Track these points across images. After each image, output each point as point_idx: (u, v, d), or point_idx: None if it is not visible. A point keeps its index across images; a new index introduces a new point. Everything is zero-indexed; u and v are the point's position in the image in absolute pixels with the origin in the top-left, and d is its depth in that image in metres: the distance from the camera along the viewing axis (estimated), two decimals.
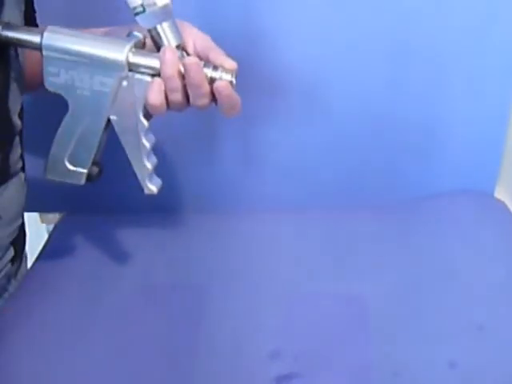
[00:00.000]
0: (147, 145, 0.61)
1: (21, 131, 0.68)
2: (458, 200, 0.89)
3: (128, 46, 0.59)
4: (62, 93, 0.60)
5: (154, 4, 0.57)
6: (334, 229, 0.86)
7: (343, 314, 0.71)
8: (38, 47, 0.59)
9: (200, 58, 0.61)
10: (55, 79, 0.59)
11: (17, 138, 0.67)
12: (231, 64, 0.59)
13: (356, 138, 0.87)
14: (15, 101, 0.65)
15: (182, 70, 0.58)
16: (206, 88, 0.59)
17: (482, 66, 0.82)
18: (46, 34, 0.59)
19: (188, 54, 0.61)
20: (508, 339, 0.66)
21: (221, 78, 0.59)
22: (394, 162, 0.88)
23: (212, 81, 0.59)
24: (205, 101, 0.59)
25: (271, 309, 0.71)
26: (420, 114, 0.85)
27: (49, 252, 0.84)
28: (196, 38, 0.62)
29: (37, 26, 0.71)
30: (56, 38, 0.59)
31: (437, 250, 0.80)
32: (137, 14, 0.57)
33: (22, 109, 0.68)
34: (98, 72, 0.59)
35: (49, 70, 0.59)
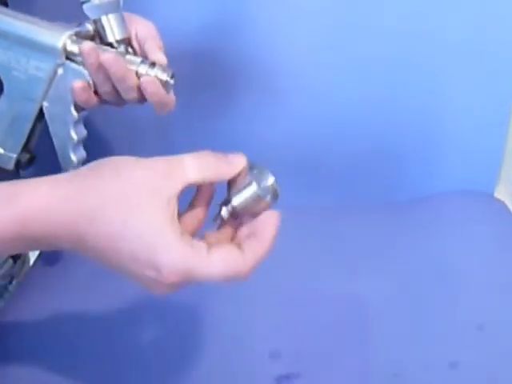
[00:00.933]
0: (75, 137, 0.60)
1: None
2: (458, 200, 0.89)
3: (67, 34, 0.57)
4: None
5: None
6: (333, 229, 0.86)
7: (343, 313, 0.71)
8: None
9: (140, 47, 0.60)
10: None
11: None
12: (161, 59, 0.58)
13: (356, 137, 0.87)
14: None
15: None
16: (132, 81, 0.57)
17: (482, 66, 0.82)
18: None
19: (133, 49, 0.60)
20: (508, 339, 0.66)
21: (156, 76, 0.57)
22: (394, 162, 0.88)
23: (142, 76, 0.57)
24: (133, 95, 0.58)
25: (271, 309, 0.71)
26: (420, 114, 0.85)
27: (49, 252, 0.84)
28: (138, 26, 0.61)
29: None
30: None
31: (437, 249, 0.80)
32: (83, 2, 0.56)
33: None
34: (35, 56, 0.58)
35: None
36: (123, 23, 0.58)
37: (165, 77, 0.57)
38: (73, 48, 0.58)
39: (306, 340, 0.67)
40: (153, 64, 0.57)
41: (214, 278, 0.44)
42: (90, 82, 0.58)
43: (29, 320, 0.72)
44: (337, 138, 0.87)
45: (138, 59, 0.58)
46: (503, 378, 0.62)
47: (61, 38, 0.57)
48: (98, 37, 0.59)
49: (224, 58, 0.80)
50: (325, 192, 0.90)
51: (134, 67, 0.57)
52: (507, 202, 0.89)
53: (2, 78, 0.60)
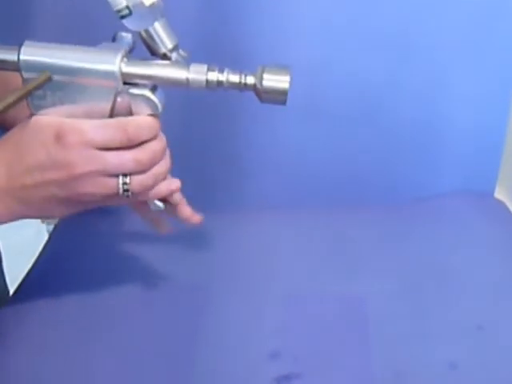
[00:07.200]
0: None
1: None
2: (458, 200, 0.89)
3: (119, 55, 0.51)
4: None
5: (141, 3, 0.49)
6: (333, 229, 0.86)
7: (343, 314, 0.71)
8: (16, 67, 0.50)
9: None
10: (42, 102, 0.52)
11: None
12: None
13: (355, 138, 0.87)
14: None
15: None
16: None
17: (483, 65, 0.82)
18: (23, 49, 0.50)
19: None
20: (508, 339, 0.66)
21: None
22: (394, 162, 0.88)
23: None
24: None
25: (271, 309, 0.71)
26: (420, 115, 0.85)
27: (49, 252, 0.84)
28: None
29: None
30: (35, 53, 0.50)
31: (437, 249, 0.80)
32: (123, 17, 0.50)
33: None
34: (89, 89, 0.51)
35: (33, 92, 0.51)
36: (170, 28, 0.52)
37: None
38: (129, 70, 0.51)
39: (305, 340, 0.67)
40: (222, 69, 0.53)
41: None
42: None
43: (29, 320, 0.72)
44: (336, 138, 0.87)
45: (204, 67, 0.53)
46: (503, 377, 0.62)
47: (115, 61, 0.50)
48: (147, 48, 0.53)
49: (223, 58, 0.80)
50: (325, 192, 0.90)
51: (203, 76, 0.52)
52: (507, 202, 0.89)
53: None
